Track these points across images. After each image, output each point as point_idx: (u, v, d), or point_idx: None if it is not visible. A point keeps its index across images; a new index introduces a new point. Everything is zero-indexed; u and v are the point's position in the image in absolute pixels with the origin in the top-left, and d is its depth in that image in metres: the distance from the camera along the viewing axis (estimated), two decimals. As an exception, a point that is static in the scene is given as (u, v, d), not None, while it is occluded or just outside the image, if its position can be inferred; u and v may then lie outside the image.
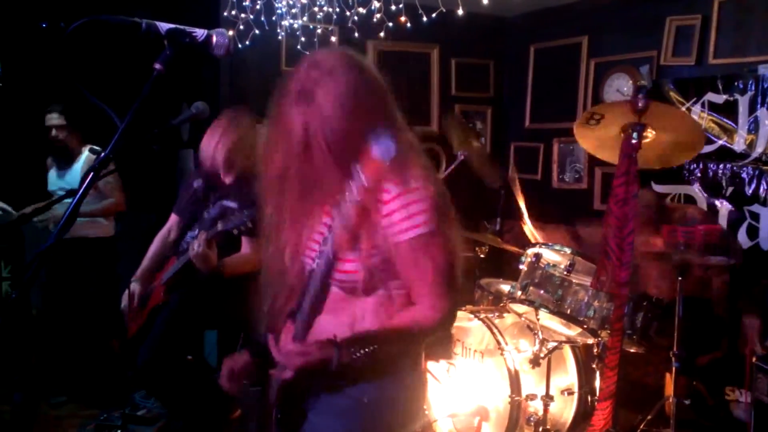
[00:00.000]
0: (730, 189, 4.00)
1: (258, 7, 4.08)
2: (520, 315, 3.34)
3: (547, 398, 3.16)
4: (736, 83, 3.96)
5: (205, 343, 4.08)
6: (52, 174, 4.19)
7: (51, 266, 4.03)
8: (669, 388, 3.11)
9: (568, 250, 3.24)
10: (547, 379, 3.19)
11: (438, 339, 2.17)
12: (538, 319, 3.20)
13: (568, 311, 3.17)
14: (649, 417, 3.17)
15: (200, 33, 1.49)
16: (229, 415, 3.22)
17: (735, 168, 3.97)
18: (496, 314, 3.42)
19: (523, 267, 3.34)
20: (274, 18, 4.23)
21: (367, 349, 1.43)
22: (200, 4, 4.59)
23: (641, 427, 3.17)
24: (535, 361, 3.16)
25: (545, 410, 3.16)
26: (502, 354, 3.19)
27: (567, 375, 3.40)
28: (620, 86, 4.68)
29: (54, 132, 4.04)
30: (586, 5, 4.98)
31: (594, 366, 3.25)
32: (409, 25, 3.79)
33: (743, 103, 3.91)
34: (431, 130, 5.27)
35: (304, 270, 1.61)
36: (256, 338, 1.75)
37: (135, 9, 1.80)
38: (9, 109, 4.62)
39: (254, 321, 1.72)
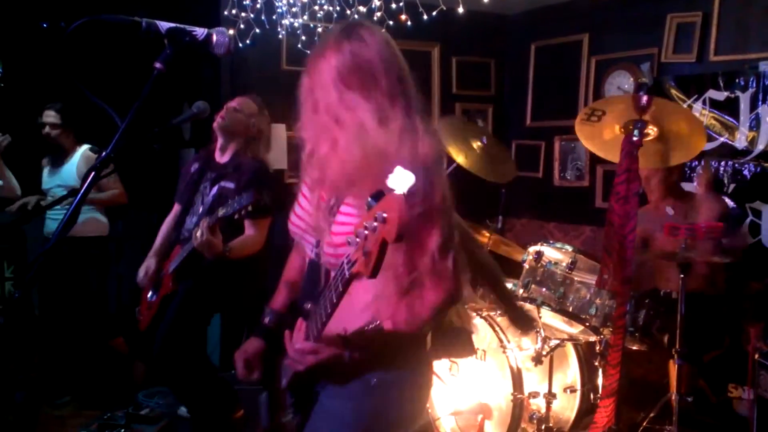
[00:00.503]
0: (732, 186, 4.00)
1: (258, 5, 4.08)
2: (522, 313, 3.34)
3: (550, 396, 3.16)
4: (737, 80, 3.96)
5: (208, 343, 4.07)
6: (45, 172, 4.20)
7: (47, 266, 4.03)
8: (672, 386, 3.10)
9: (569, 248, 3.25)
10: (549, 377, 3.19)
11: (458, 336, 2.17)
12: (540, 317, 3.20)
13: (570, 309, 3.17)
14: (651, 414, 3.17)
15: (200, 32, 1.49)
16: (232, 415, 3.23)
17: (737, 165, 3.97)
18: (498, 312, 3.42)
19: (525, 265, 3.34)
20: (274, 17, 4.23)
21: (376, 342, 1.48)
22: (200, 3, 4.59)
23: (644, 424, 3.17)
24: (537, 359, 3.16)
25: (548, 408, 3.16)
26: (504, 352, 3.19)
27: (569, 373, 3.40)
28: (621, 84, 4.67)
29: (47, 129, 4.05)
30: (587, 3, 4.97)
31: (596, 363, 3.25)
32: (409, 23, 3.78)
33: (744, 100, 3.91)
34: (431, 129, 5.26)
35: (320, 266, 1.62)
36: (263, 320, 1.81)
37: (135, 8, 1.80)
38: (9, 109, 4.63)
39: (261, 301, 1.75)
